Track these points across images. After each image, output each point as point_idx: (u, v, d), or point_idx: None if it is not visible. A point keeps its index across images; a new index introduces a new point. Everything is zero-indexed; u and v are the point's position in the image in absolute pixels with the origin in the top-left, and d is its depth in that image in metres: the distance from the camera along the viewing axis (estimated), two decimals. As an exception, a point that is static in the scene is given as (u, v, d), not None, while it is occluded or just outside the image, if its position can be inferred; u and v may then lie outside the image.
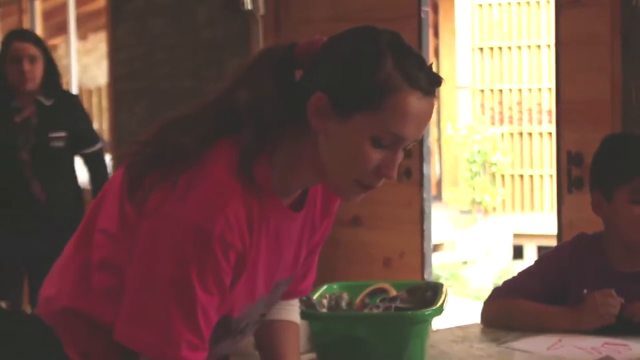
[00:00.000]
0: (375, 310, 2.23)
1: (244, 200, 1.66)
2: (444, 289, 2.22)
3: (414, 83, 1.64)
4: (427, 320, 2.12)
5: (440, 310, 2.09)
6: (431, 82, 1.67)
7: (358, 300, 2.35)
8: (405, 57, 1.66)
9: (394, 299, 2.27)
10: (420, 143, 4.51)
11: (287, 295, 2.00)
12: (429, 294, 2.23)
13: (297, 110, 1.69)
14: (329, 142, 1.68)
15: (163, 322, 1.65)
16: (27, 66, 4.48)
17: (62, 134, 4.50)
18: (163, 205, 1.66)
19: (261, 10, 5.14)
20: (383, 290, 2.39)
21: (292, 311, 2.06)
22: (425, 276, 4.53)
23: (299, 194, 1.82)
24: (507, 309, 2.59)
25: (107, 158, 5.10)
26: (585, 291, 2.51)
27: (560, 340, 2.41)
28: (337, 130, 1.67)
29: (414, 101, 1.64)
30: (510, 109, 10.63)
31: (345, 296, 2.33)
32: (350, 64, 1.67)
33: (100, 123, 12.64)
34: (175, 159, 1.69)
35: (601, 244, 2.61)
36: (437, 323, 3.92)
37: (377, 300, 2.28)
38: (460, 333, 2.55)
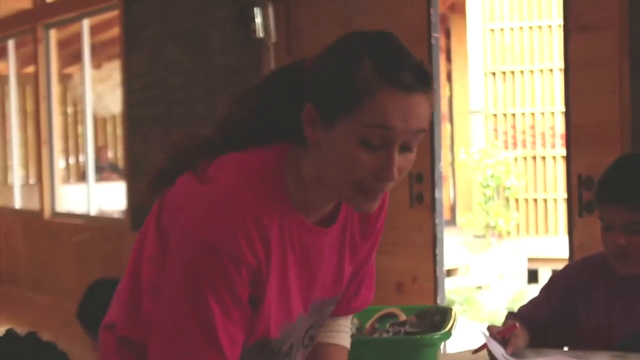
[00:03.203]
0: (384, 335, 2.25)
1: (255, 214, 1.66)
2: (452, 313, 2.23)
3: (392, 82, 1.61)
4: (435, 345, 2.13)
5: (448, 335, 2.11)
6: (416, 79, 1.63)
7: (368, 324, 2.37)
8: (385, 57, 1.64)
9: (403, 323, 2.28)
10: (432, 168, 4.52)
11: (339, 313, 1.99)
12: (438, 318, 2.25)
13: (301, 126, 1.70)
14: (322, 152, 1.68)
15: (183, 341, 1.65)
16: None
17: None
18: (179, 220, 1.69)
19: (273, 37, 5.19)
20: (393, 315, 2.41)
21: (341, 335, 2.04)
22: (438, 301, 4.53)
23: (330, 210, 1.80)
24: None
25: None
26: None
27: None
28: (326, 138, 1.66)
29: (393, 99, 1.61)
30: (524, 132, 10.64)
31: (355, 321, 2.34)
32: (327, 71, 1.67)
33: (115, 151, 12.70)
34: (190, 170, 1.74)
35: None
36: (450, 347, 3.93)
37: (387, 325, 2.30)
38: (470, 357, 2.55)
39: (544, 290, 2.75)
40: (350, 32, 1.72)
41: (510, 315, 2.74)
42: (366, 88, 1.62)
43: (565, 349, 2.62)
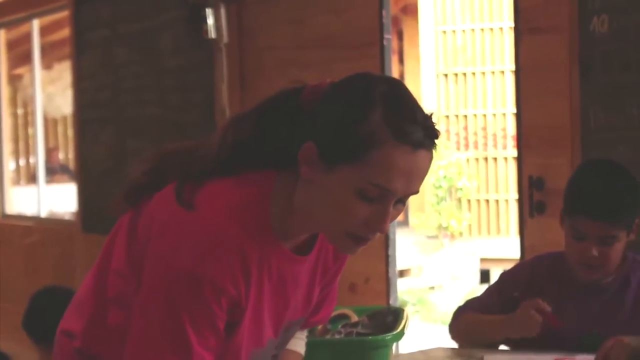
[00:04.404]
0: (337, 336, 2.24)
1: (238, 245, 1.63)
2: (404, 314, 2.24)
3: (403, 137, 1.57)
4: (387, 345, 2.14)
5: (400, 335, 2.11)
6: (426, 136, 1.60)
7: (320, 326, 2.37)
8: (397, 110, 1.59)
9: (355, 324, 2.29)
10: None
11: (300, 327, 1.98)
12: (390, 319, 2.25)
13: (294, 155, 1.66)
14: (317, 192, 1.64)
15: None
16: None
17: None
18: (159, 246, 1.65)
19: (225, 38, 5.17)
20: (345, 316, 2.41)
21: (296, 342, 2.04)
22: (391, 301, 4.54)
23: (307, 237, 1.78)
24: (465, 323, 2.65)
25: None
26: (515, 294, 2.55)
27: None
28: (323, 181, 1.62)
29: (401, 155, 1.58)
30: (475, 134, 10.71)
31: (308, 322, 2.33)
32: (336, 115, 1.62)
33: (66, 152, 12.59)
34: (176, 192, 1.68)
35: (566, 258, 2.63)
36: (402, 348, 3.94)
37: (339, 326, 2.30)
38: (422, 357, 2.56)
39: (495, 288, 2.76)
40: (359, 74, 1.67)
41: (461, 309, 2.75)
42: (374, 139, 1.58)
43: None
